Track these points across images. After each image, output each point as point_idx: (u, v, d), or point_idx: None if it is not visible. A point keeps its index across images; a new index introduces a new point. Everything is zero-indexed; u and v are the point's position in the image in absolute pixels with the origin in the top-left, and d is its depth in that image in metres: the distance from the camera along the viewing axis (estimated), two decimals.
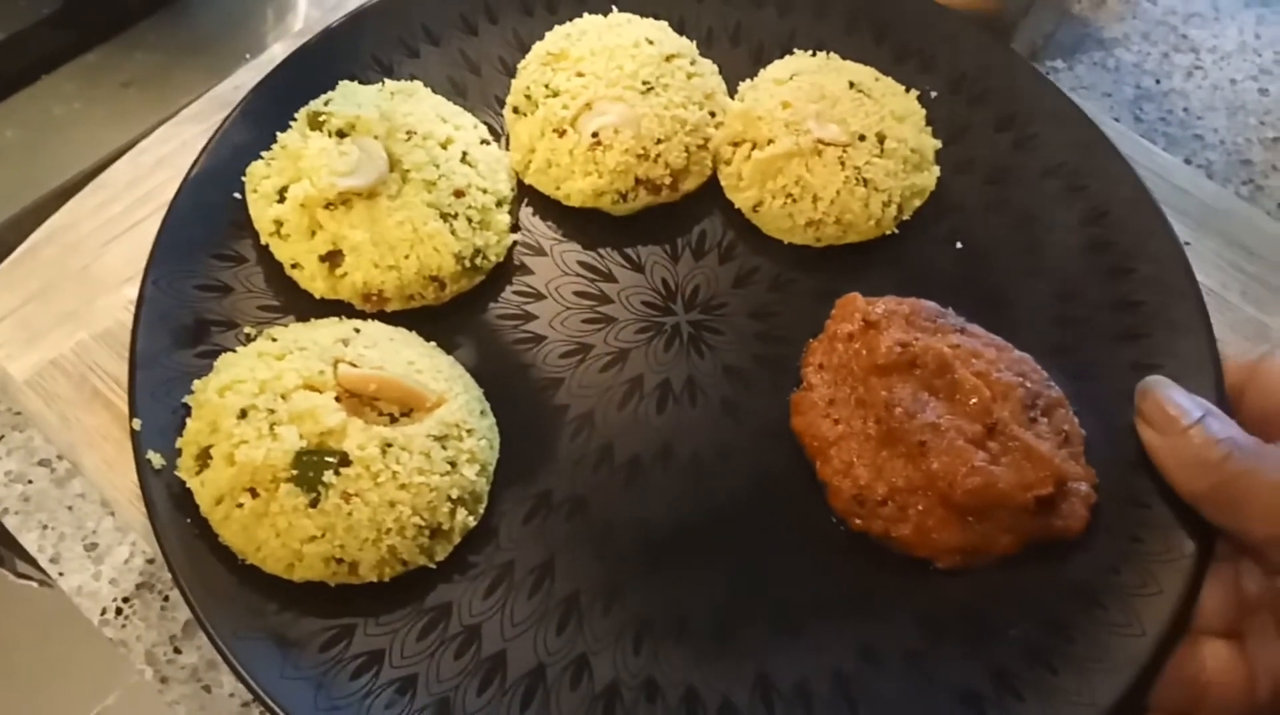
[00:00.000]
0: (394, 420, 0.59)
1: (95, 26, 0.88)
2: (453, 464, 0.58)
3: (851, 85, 0.71)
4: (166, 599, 0.65)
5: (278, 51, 0.84)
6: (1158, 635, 0.56)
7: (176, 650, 0.63)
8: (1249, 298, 0.75)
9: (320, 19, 0.86)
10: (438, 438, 0.58)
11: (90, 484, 0.68)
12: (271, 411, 0.56)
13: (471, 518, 0.59)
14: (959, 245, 0.71)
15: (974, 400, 0.61)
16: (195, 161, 0.69)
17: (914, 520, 0.59)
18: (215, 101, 0.81)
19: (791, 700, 0.57)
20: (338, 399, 0.58)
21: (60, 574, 0.66)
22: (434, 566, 0.58)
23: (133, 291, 0.65)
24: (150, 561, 0.66)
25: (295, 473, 0.55)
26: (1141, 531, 0.59)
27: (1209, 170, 0.84)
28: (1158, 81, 0.89)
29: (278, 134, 0.69)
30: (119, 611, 0.64)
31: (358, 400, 0.59)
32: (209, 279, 0.66)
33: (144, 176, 0.77)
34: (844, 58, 0.75)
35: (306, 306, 0.66)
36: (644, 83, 0.71)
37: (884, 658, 0.57)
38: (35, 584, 1.11)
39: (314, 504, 0.55)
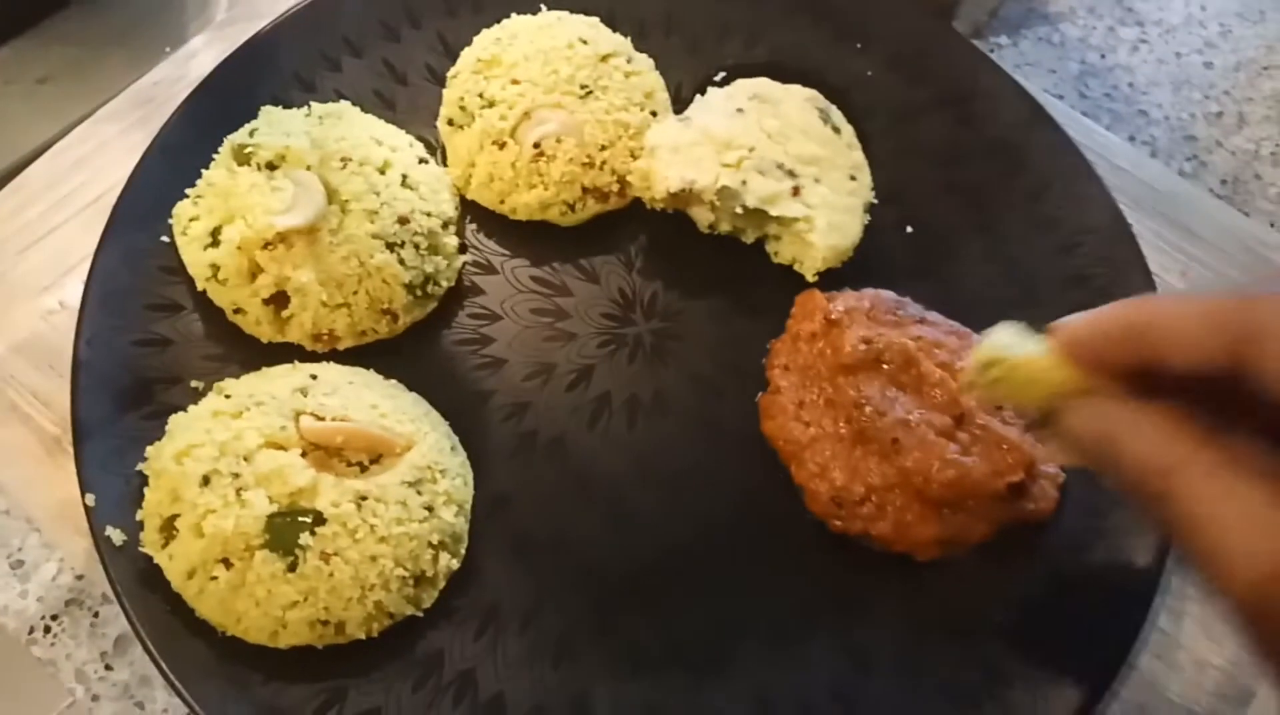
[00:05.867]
0: (364, 469, 0.57)
1: (8, 20, 0.84)
2: (430, 508, 0.57)
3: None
4: (96, 615, 0.62)
5: (199, 44, 0.80)
6: (1136, 610, 0.58)
7: (108, 667, 0.61)
8: (1189, 280, 0.73)
9: (244, 9, 0.81)
10: (411, 483, 0.57)
11: (11, 502, 0.65)
12: (236, 475, 0.54)
13: (454, 560, 0.58)
14: (909, 230, 0.72)
15: (941, 392, 0.61)
16: (115, 205, 0.65)
17: (892, 517, 0.60)
18: (135, 98, 0.77)
19: None
20: (304, 455, 0.56)
21: None
22: (421, 615, 0.57)
23: (52, 300, 0.61)
24: (79, 578, 0.62)
25: (269, 538, 0.53)
26: (1108, 506, 0.61)
27: (1153, 147, 0.82)
28: (1103, 56, 0.87)
29: (202, 170, 0.65)
30: (47, 630, 0.61)
31: (324, 453, 0.57)
32: (145, 333, 0.63)
33: (62, 178, 0.74)
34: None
35: (253, 352, 0.63)
36: (582, 86, 0.69)
37: (878, 662, 0.58)
38: None
39: (292, 568, 0.53)
